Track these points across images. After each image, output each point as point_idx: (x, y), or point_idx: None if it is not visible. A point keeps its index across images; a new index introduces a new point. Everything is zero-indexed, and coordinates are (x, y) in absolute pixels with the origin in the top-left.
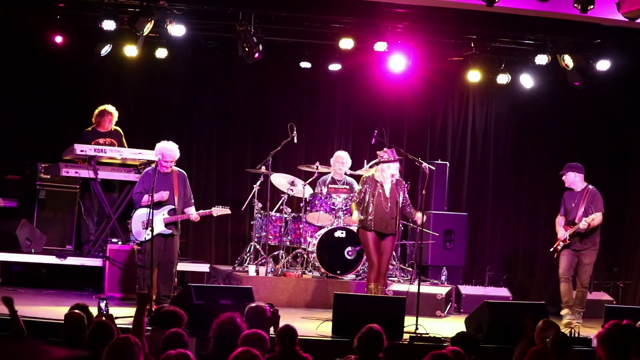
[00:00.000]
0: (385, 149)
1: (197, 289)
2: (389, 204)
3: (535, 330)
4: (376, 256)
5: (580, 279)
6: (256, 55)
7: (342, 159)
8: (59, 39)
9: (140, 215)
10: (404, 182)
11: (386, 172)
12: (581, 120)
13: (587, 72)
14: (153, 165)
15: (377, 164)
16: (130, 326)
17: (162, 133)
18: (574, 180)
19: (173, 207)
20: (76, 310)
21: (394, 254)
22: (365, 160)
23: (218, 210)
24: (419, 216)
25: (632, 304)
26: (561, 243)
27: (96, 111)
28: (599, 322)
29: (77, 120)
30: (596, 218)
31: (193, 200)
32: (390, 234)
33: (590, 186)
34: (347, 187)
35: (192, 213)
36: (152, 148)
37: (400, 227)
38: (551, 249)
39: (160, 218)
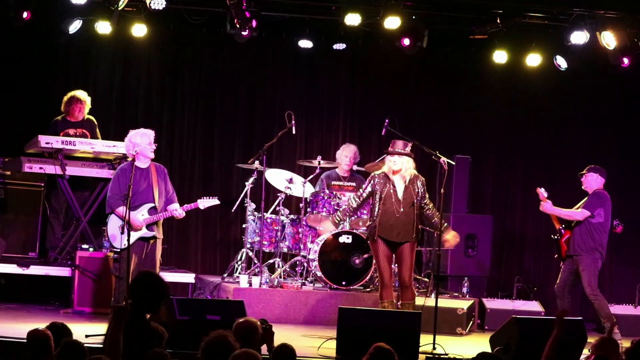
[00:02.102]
0: (396, 140)
1: (181, 302)
2: (402, 208)
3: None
4: (388, 271)
5: (584, 288)
6: (246, 33)
7: (350, 153)
8: (24, 14)
9: (117, 218)
10: (420, 177)
11: (387, 165)
12: (624, 107)
13: (631, 51)
14: (129, 159)
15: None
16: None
17: (139, 123)
18: (591, 182)
19: (153, 205)
20: (41, 328)
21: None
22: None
23: (205, 202)
24: (450, 238)
25: None
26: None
27: (65, 98)
28: None
29: (42, 108)
30: (571, 212)
31: (175, 197)
32: (403, 242)
33: (598, 190)
34: (354, 184)
35: (177, 209)
36: None
37: (419, 230)
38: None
39: (140, 219)
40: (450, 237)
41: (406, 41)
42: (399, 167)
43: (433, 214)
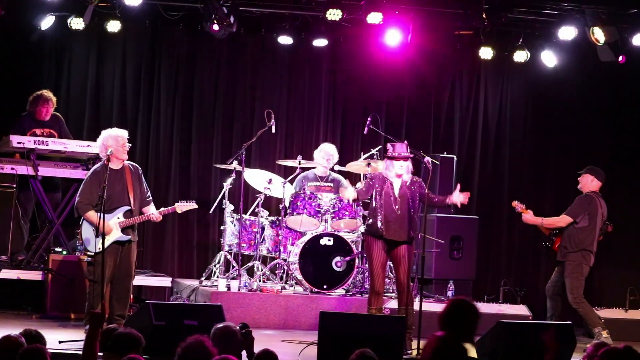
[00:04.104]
0: (394, 142)
1: (157, 307)
2: (398, 207)
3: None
4: (380, 277)
5: (567, 295)
6: (217, 28)
7: (328, 154)
8: None
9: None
10: (417, 179)
11: (390, 169)
12: (614, 105)
13: (621, 47)
14: (102, 161)
15: (371, 157)
16: (79, 352)
17: (113, 121)
18: (586, 184)
19: (129, 207)
20: (13, 334)
21: (390, 264)
22: (362, 153)
23: (182, 206)
24: (458, 199)
25: None
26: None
27: (30, 98)
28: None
29: (13, 107)
30: (553, 220)
31: (151, 198)
32: (403, 242)
33: (589, 193)
34: (332, 185)
35: (153, 212)
36: None
37: (417, 232)
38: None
39: (115, 222)
40: (457, 199)
41: (389, 37)
42: (404, 172)
43: (434, 195)
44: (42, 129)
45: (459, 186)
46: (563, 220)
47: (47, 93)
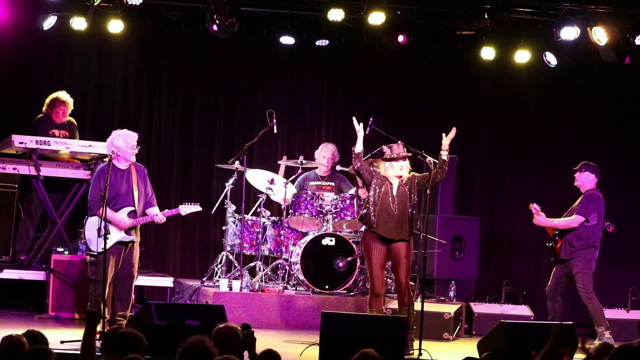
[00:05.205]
0: (390, 144)
1: (159, 307)
2: (396, 205)
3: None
4: (380, 278)
5: (578, 291)
6: (218, 29)
7: (329, 153)
8: None
9: (95, 220)
10: (411, 173)
11: (389, 171)
12: (615, 105)
13: (623, 48)
14: (107, 160)
15: (372, 157)
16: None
17: (115, 122)
18: (585, 181)
19: (133, 208)
20: (15, 334)
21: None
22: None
23: (186, 208)
24: (446, 140)
25: None
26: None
27: (47, 100)
28: None
29: (15, 107)
30: (567, 221)
31: (155, 199)
32: (400, 241)
33: (592, 190)
34: (333, 184)
35: (157, 214)
36: (104, 139)
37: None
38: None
39: (125, 215)
40: (447, 141)
41: (391, 37)
42: (404, 172)
43: (429, 171)
44: (60, 131)
45: (443, 135)
46: (576, 220)
47: (64, 95)
